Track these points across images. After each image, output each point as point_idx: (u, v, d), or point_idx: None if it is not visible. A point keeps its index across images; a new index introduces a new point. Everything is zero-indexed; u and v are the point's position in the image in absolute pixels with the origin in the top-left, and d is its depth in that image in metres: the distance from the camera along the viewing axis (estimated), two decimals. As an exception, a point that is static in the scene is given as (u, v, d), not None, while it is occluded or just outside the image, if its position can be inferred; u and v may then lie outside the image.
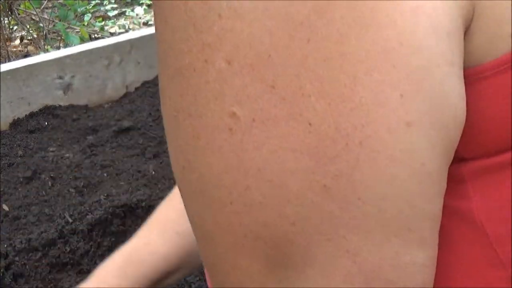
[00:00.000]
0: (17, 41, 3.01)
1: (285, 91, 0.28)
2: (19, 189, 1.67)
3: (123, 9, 3.62)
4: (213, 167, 0.31)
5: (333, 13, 0.28)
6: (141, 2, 3.63)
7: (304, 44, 0.28)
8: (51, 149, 1.87)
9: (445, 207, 0.33)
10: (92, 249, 1.40)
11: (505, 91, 0.31)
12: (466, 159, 0.34)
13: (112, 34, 3.11)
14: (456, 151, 0.32)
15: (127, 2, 3.69)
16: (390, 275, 0.32)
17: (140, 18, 3.51)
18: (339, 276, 0.31)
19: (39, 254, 1.39)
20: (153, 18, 3.52)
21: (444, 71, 0.29)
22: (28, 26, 3.07)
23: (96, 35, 3.12)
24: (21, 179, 1.68)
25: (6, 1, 2.88)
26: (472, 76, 0.32)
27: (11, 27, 3.09)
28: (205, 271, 0.36)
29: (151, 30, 2.38)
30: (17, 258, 1.39)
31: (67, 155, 1.83)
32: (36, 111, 2.03)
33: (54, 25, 2.99)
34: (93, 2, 3.55)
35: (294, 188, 0.30)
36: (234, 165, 0.30)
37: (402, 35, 0.28)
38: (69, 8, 3.04)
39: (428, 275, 0.33)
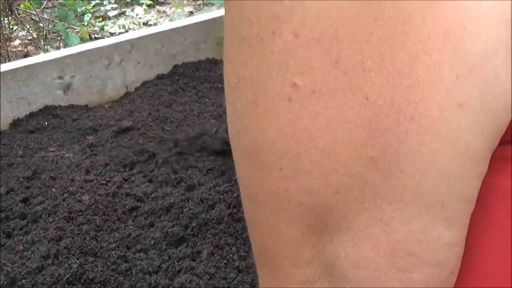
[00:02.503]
0: (17, 41, 3.02)
1: (347, 65, 0.30)
2: (19, 189, 1.67)
3: (123, 9, 3.62)
4: (267, 133, 0.32)
5: None
6: (141, 2, 3.63)
7: (370, 21, 0.29)
8: (51, 149, 1.87)
9: (486, 182, 0.34)
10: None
11: None
12: None
13: (112, 34, 3.11)
14: (507, 134, 0.33)
15: (127, 2, 3.69)
16: (415, 249, 0.33)
17: (140, 18, 3.52)
18: (368, 244, 0.33)
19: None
20: (152, 18, 3.51)
21: (500, 58, 0.30)
22: (28, 26, 3.07)
23: (96, 35, 3.13)
24: (21, 179, 1.68)
25: (6, 1, 2.88)
26: None
27: (11, 27, 3.09)
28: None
29: (151, 30, 2.38)
30: (17, 261, 1.39)
31: (67, 155, 1.83)
32: (36, 111, 2.04)
33: (54, 25, 2.99)
34: (93, 2, 3.55)
35: (343, 158, 0.31)
36: (289, 133, 0.32)
37: (464, 20, 0.29)
38: (69, 8, 3.04)
39: (452, 254, 0.34)
